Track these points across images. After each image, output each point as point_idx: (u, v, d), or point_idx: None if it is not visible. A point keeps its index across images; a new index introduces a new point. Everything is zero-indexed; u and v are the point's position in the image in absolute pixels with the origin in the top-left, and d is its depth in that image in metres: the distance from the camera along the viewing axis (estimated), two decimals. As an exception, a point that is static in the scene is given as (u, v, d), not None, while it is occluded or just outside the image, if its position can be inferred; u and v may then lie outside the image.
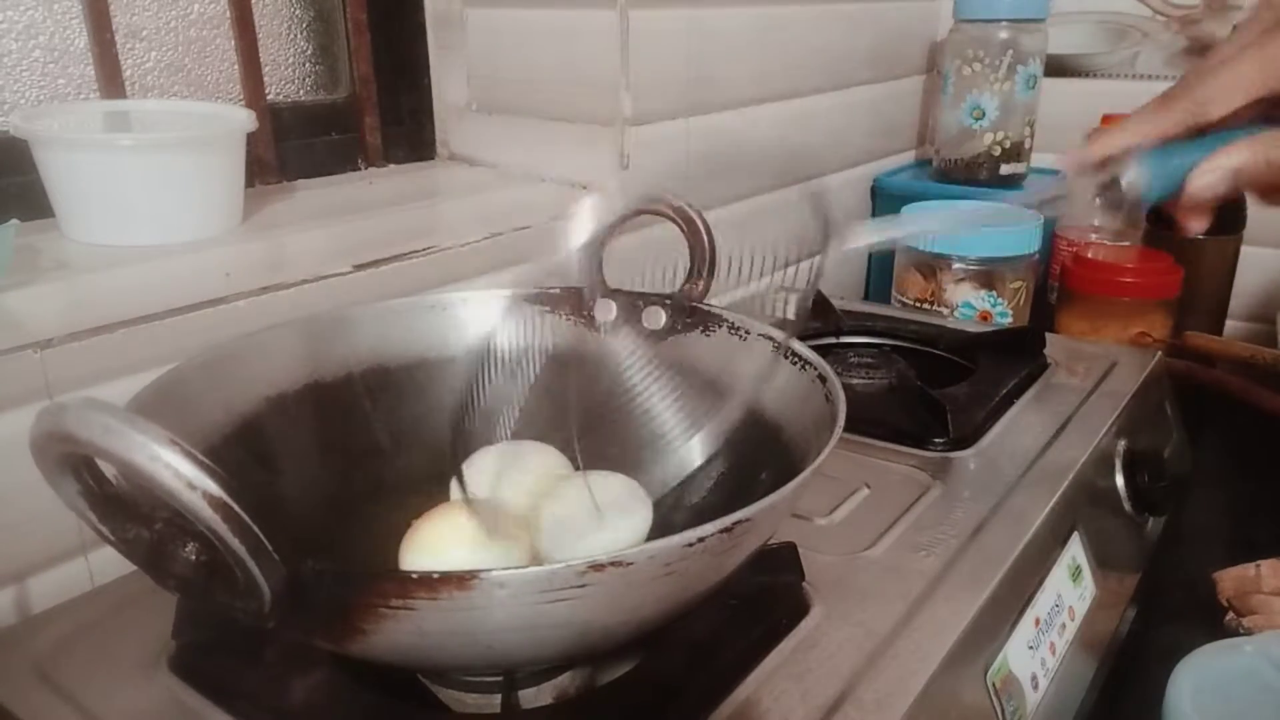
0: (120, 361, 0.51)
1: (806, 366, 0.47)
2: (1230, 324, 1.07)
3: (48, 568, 0.51)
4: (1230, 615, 0.62)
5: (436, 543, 0.40)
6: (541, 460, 0.48)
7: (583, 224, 0.47)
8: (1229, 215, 1.00)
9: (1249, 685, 0.49)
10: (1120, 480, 0.68)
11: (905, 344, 0.83)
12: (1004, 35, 1.03)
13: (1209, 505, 0.80)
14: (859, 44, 1.10)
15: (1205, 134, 0.42)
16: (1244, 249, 1.02)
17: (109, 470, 0.31)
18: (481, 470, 0.46)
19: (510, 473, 0.46)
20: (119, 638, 0.45)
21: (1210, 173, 0.40)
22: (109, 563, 0.51)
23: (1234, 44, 0.44)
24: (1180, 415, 0.83)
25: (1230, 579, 0.63)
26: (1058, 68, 1.16)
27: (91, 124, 0.63)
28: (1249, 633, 0.60)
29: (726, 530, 0.33)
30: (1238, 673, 0.50)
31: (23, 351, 0.48)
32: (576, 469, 0.48)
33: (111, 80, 0.66)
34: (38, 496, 0.32)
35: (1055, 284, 1.04)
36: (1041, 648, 0.52)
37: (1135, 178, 0.41)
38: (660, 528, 0.49)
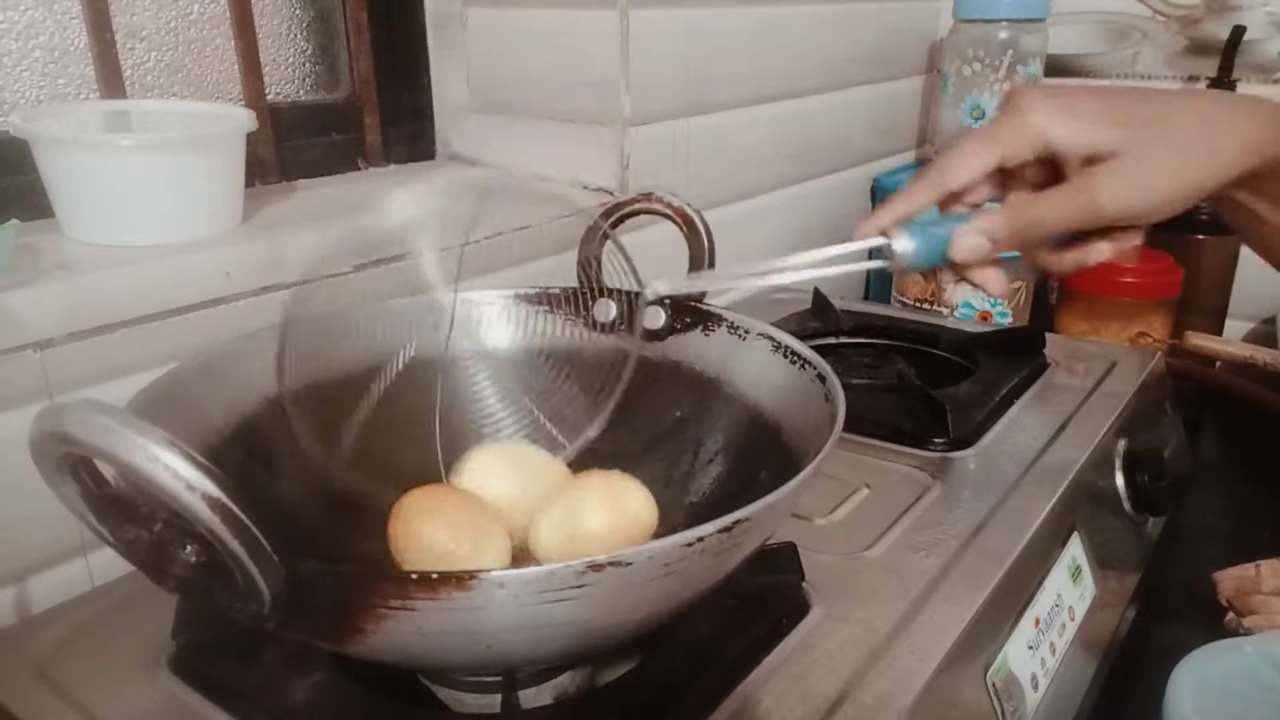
0: (120, 361, 0.51)
1: (806, 366, 0.47)
2: (1230, 324, 1.07)
3: (48, 568, 0.51)
4: (1230, 615, 0.62)
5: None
6: (534, 461, 0.48)
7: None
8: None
9: (1249, 685, 0.49)
10: (1120, 480, 0.68)
11: (905, 344, 0.83)
12: (1004, 35, 1.03)
13: (1209, 505, 0.80)
14: (859, 44, 1.10)
15: (958, 206, 0.48)
16: (1244, 249, 1.02)
17: (108, 471, 0.31)
18: (472, 469, 0.46)
19: (504, 471, 0.46)
20: (119, 638, 0.45)
21: (968, 235, 0.46)
22: (109, 563, 0.51)
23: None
24: (1180, 415, 0.83)
25: (1230, 579, 0.63)
26: (1058, 68, 1.16)
27: (91, 124, 0.63)
28: (1249, 633, 0.60)
29: (726, 530, 0.33)
30: (1238, 673, 0.50)
31: (23, 351, 0.48)
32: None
33: (111, 80, 0.66)
34: (38, 496, 0.32)
35: (1055, 284, 1.04)
36: (1041, 648, 0.52)
37: (903, 246, 0.46)
38: (660, 528, 0.49)
